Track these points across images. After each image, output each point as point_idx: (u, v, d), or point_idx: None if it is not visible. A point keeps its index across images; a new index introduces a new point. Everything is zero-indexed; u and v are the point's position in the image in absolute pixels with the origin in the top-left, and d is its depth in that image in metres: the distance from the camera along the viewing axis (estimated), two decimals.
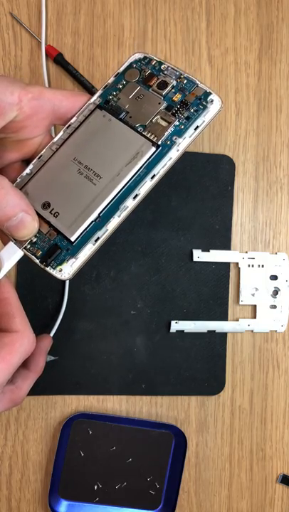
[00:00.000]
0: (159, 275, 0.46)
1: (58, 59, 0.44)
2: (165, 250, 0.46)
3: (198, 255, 0.46)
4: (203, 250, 0.46)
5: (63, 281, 0.45)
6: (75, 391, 0.46)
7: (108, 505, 0.45)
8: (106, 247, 0.45)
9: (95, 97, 0.31)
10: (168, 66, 0.31)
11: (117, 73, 0.31)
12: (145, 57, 0.31)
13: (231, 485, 0.47)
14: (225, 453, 0.47)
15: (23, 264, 0.45)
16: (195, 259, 0.46)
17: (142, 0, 0.46)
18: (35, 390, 0.45)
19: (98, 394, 0.46)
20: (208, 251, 0.46)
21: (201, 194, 0.46)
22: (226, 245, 0.47)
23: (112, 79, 0.31)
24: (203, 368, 0.46)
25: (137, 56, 0.31)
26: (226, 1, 0.47)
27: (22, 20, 0.45)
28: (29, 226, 0.28)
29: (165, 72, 0.31)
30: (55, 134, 0.31)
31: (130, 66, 0.31)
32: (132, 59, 0.31)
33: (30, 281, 0.45)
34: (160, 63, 0.31)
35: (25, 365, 0.32)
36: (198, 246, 0.46)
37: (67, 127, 0.30)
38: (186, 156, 0.46)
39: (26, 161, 0.32)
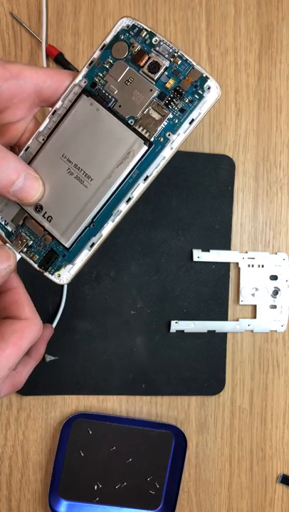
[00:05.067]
0: (159, 275, 0.46)
1: (58, 58, 0.44)
2: (165, 250, 0.46)
3: (198, 255, 0.46)
4: (203, 250, 0.46)
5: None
6: (75, 391, 0.46)
7: (108, 505, 0.45)
8: (106, 247, 0.46)
9: (80, 77, 0.28)
10: (160, 40, 0.27)
11: (103, 45, 0.28)
12: (134, 26, 0.27)
13: (231, 485, 0.47)
14: (225, 453, 0.47)
15: (22, 263, 0.45)
16: (195, 259, 0.46)
17: (142, 0, 0.46)
18: (35, 390, 0.45)
19: (98, 394, 0.46)
20: (208, 251, 0.46)
21: (201, 194, 0.46)
22: (225, 245, 0.47)
23: (97, 53, 0.28)
24: (203, 368, 0.46)
25: (125, 23, 0.27)
26: (225, 1, 0.47)
27: (22, 20, 0.45)
28: (35, 185, 0.28)
29: (157, 48, 0.27)
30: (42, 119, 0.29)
31: (117, 37, 0.28)
32: (118, 27, 0.28)
33: (30, 280, 0.45)
34: (151, 35, 0.27)
35: (26, 352, 0.34)
36: (198, 246, 0.46)
37: (52, 113, 0.29)
38: (186, 156, 0.46)
39: (11, 148, 0.30)
